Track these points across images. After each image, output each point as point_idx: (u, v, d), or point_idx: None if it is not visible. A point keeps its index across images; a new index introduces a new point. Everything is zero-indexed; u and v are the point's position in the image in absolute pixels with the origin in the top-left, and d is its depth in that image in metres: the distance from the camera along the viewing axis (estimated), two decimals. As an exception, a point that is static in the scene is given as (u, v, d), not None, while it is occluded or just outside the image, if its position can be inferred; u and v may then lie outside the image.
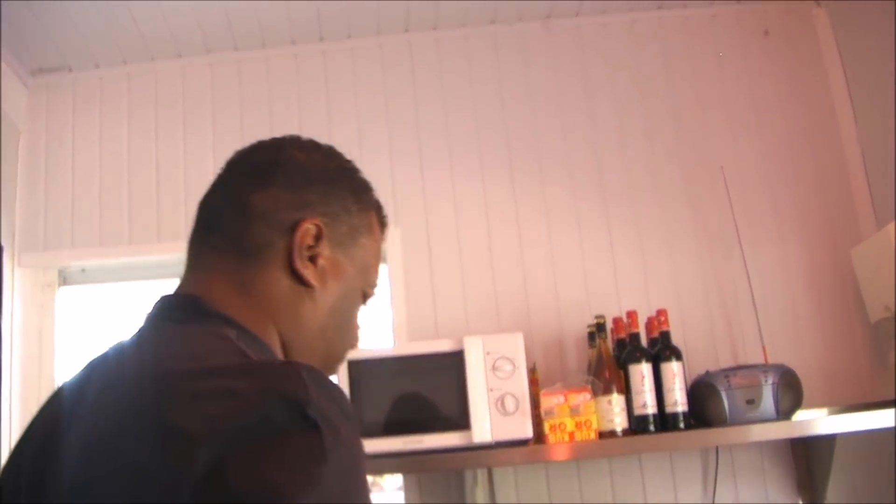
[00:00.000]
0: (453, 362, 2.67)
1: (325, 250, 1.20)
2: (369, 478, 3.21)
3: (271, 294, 1.16)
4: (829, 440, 2.86)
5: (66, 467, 0.96)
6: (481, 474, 2.95)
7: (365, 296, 1.29)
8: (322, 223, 1.19)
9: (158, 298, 1.16)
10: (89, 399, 1.01)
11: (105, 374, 1.05)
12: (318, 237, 1.19)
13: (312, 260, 1.19)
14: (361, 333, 1.31)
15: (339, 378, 2.66)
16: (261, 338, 1.11)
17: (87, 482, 0.91)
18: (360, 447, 0.93)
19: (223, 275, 1.16)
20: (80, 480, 0.92)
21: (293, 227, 1.17)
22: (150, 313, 1.14)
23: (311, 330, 1.20)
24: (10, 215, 3.29)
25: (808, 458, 3.01)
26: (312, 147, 1.28)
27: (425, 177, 3.30)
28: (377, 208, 1.32)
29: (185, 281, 1.19)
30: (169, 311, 1.13)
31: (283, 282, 1.17)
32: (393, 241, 3.22)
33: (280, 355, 1.16)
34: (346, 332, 1.27)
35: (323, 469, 0.85)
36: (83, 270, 3.39)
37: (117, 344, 1.09)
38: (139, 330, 1.11)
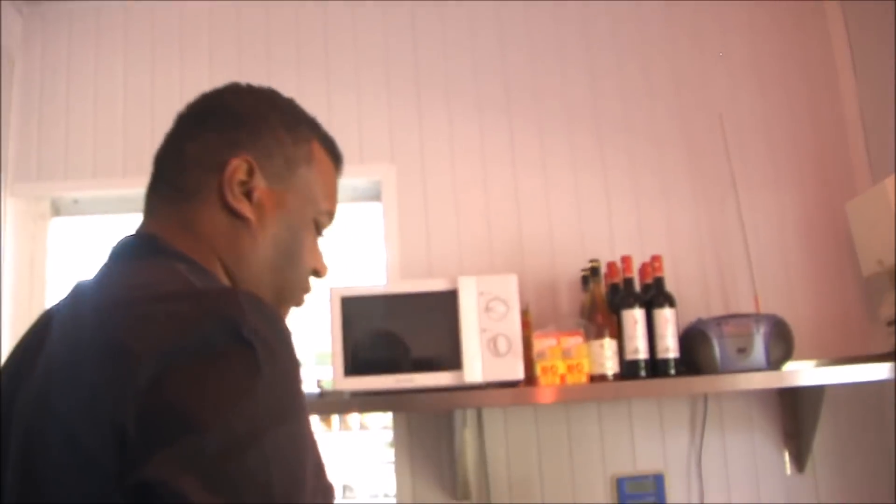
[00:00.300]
0: (446, 302, 2.67)
1: (259, 183, 1.25)
2: (356, 415, 3.24)
3: (213, 231, 1.22)
4: (817, 391, 2.89)
5: (33, 383, 1.04)
6: (471, 414, 2.97)
7: (318, 225, 1.34)
8: (252, 158, 1.24)
9: (120, 238, 1.23)
10: (59, 324, 1.09)
11: (73, 302, 1.12)
12: (250, 172, 1.24)
13: (248, 195, 1.24)
14: (326, 263, 1.37)
15: (332, 315, 2.66)
16: (210, 272, 1.19)
17: (48, 394, 1.00)
18: (295, 365, 1.00)
19: (171, 218, 1.23)
20: (43, 392, 1.01)
21: (223, 166, 1.23)
22: (112, 251, 1.21)
23: (256, 261, 1.25)
24: (3, 145, 3.27)
25: (796, 408, 3.03)
26: (247, 91, 1.33)
27: (422, 116, 3.28)
28: (321, 139, 1.36)
29: (142, 225, 1.26)
30: (129, 249, 1.20)
31: (222, 218, 1.23)
32: (388, 179, 3.21)
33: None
34: (297, 262, 1.31)
35: (257, 382, 0.94)
36: (76, 201, 3.38)
37: (87, 278, 1.17)
38: (103, 265, 1.19)
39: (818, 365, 2.88)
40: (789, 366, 2.79)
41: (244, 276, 1.24)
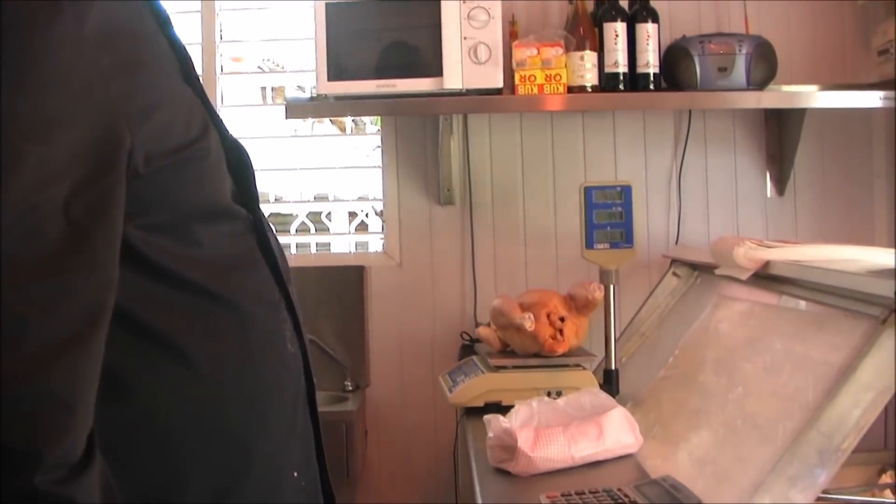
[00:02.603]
0: (429, 9, 2.67)
1: None
2: (349, 119, 3.31)
3: None
4: (800, 114, 2.90)
5: None
6: (456, 121, 3.03)
7: None
8: None
9: None
10: None
11: None
12: None
13: None
14: None
15: (316, 22, 2.68)
16: None
17: None
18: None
19: None
20: None
21: None
22: None
23: None
24: None
25: (780, 131, 3.06)
26: None
27: None
28: None
29: None
30: None
31: None
32: None
33: None
34: None
35: None
36: None
37: None
38: None
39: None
40: (774, 88, 2.80)
41: None
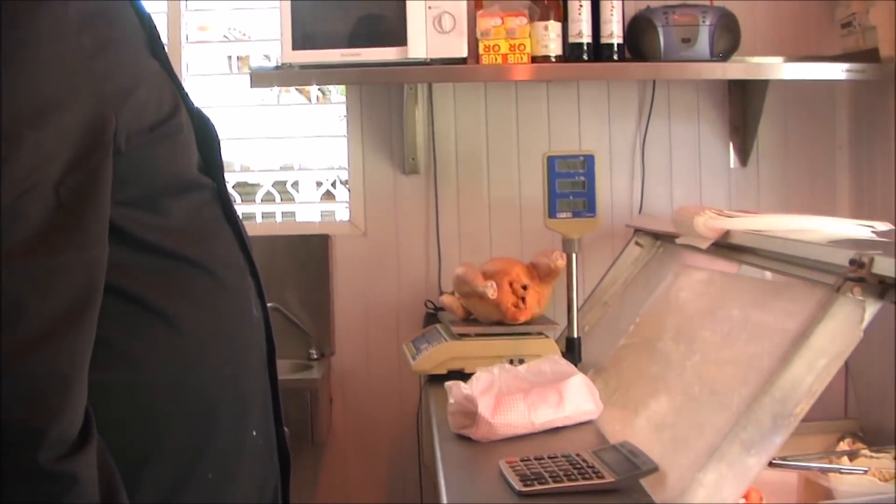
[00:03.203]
0: (394, -23, 2.67)
1: None
2: (315, 88, 3.30)
3: None
4: (763, 84, 2.92)
5: None
6: (421, 90, 3.03)
7: None
8: None
9: None
10: None
11: None
12: None
13: None
14: None
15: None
16: None
17: None
18: None
19: None
20: None
21: None
22: None
23: None
24: None
25: (744, 102, 3.08)
26: None
27: None
28: None
29: None
30: None
31: None
32: None
33: None
34: None
35: None
36: None
37: None
38: None
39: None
40: (738, 59, 2.82)
41: None
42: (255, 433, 1.24)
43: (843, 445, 2.19)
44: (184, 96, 1.22)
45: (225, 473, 1.19)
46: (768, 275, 2.06)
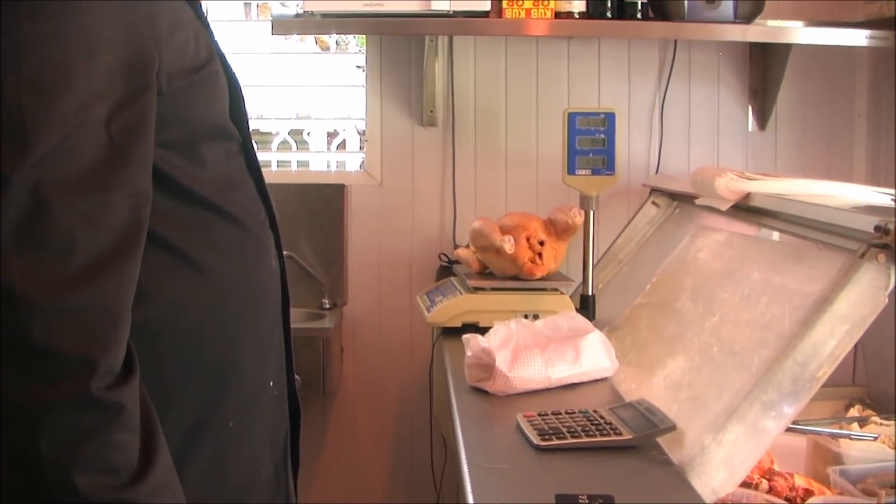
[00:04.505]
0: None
1: None
2: (334, 38, 3.28)
3: None
4: (785, 49, 2.90)
5: None
6: (442, 43, 3.02)
7: None
8: None
9: None
10: None
11: None
12: None
13: None
14: None
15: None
16: None
17: None
18: None
19: None
20: None
21: None
22: None
23: None
24: None
25: (765, 65, 3.06)
26: None
27: None
28: None
29: None
30: None
31: None
32: None
33: None
34: None
35: None
36: None
37: None
38: None
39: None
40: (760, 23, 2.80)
41: None
42: (271, 383, 1.27)
43: (854, 412, 2.21)
44: (216, 45, 1.24)
45: (244, 422, 1.21)
46: (776, 236, 2.07)
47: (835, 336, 1.40)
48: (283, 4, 3.34)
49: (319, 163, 3.52)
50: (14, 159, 0.93)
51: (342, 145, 3.68)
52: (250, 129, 1.30)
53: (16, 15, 0.96)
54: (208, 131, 1.17)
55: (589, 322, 2.02)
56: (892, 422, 2.04)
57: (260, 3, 3.58)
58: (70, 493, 0.93)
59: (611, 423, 1.54)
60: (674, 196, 2.69)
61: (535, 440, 1.50)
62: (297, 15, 2.79)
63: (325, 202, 3.11)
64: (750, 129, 3.13)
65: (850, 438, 1.89)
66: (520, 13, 2.69)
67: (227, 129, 1.23)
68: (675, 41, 3.04)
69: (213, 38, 1.23)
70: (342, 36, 3.27)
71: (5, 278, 0.91)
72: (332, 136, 3.79)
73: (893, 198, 1.90)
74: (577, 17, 2.71)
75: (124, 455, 0.96)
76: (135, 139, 1.00)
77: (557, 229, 2.35)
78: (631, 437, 1.49)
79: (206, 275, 1.14)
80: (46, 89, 0.95)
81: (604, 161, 2.43)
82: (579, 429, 1.52)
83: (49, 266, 0.93)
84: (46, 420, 0.92)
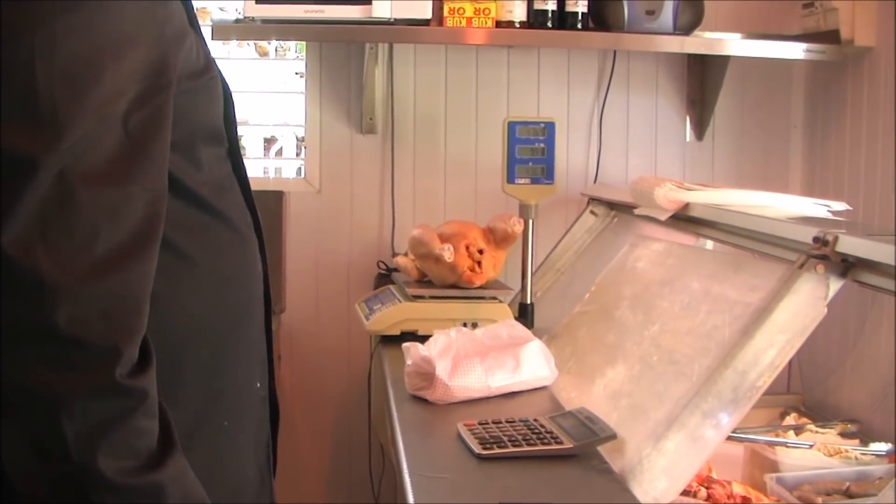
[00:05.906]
0: (360, -68, 2.63)
1: None
2: (273, 44, 3.25)
3: None
4: (723, 61, 2.93)
5: None
6: (382, 50, 3.00)
7: None
8: None
9: None
10: None
11: None
12: None
13: None
14: None
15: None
16: None
17: None
18: None
19: None
20: None
21: None
22: None
23: None
24: None
25: (703, 76, 3.09)
26: None
27: None
28: None
29: None
30: None
31: None
32: None
33: None
34: None
35: None
36: None
37: None
38: None
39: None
40: (699, 34, 2.83)
41: None
42: (258, 384, 1.30)
43: (789, 420, 2.23)
44: (208, 51, 1.27)
45: (237, 422, 1.24)
46: (710, 245, 2.09)
47: (774, 346, 1.41)
48: (221, 9, 3.30)
49: (257, 169, 3.48)
50: (45, 145, 0.95)
51: (280, 152, 3.64)
52: (238, 136, 1.34)
53: (50, 9, 0.98)
54: (206, 133, 1.20)
55: (528, 331, 2.02)
56: (828, 430, 2.07)
57: (199, 7, 3.54)
58: (97, 478, 0.95)
59: (551, 432, 1.53)
60: (612, 205, 2.71)
61: (477, 449, 1.49)
62: (238, 20, 2.76)
63: (263, 209, 3.00)
64: (687, 139, 3.16)
65: (787, 446, 1.92)
66: (460, 22, 2.68)
67: (220, 134, 1.26)
68: (615, 51, 3.06)
69: (206, 44, 1.26)
70: (282, 42, 3.23)
71: (30, 263, 0.93)
72: (269, 142, 3.75)
73: (830, 209, 1.93)
74: (517, 26, 2.71)
75: (148, 440, 0.99)
76: (152, 136, 1.03)
77: (497, 238, 2.35)
78: (572, 445, 1.49)
79: (205, 275, 1.17)
80: (77, 81, 0.98)
81: (543, 170, 2.44)
82: (520, 438, 1.52)
83: (75, 254, 0.95)
84: (72, 406, 0.94)
